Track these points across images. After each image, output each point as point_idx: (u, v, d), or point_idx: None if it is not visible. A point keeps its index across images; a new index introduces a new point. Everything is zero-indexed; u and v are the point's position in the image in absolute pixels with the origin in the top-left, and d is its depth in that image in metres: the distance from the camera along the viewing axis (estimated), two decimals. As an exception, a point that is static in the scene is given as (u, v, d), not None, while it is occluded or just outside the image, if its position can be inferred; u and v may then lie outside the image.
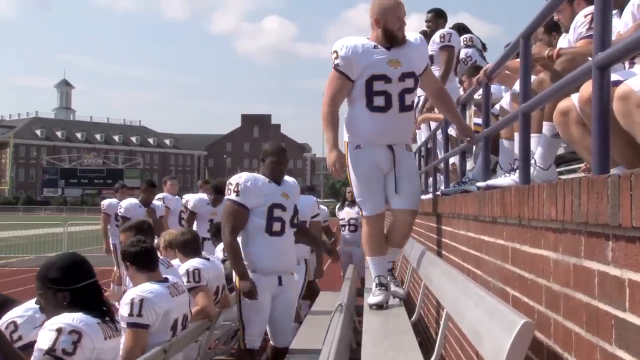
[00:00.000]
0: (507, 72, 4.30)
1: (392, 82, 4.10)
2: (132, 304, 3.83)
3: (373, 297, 4.38)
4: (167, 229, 7.71)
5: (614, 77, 2.20)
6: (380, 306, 4.32)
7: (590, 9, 3.11)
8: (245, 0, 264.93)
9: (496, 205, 2.88)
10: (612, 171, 2.08)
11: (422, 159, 8.50)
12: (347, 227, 10.10)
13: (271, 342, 5.14)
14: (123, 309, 3.82)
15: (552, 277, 2.09)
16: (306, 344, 5.05)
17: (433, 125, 7.08)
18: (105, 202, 10.31)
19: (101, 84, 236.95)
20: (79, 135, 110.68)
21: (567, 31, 3.65)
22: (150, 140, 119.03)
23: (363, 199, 4.34)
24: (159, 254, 5.47)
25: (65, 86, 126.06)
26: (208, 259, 5.46)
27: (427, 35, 6.63)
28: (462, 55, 7.15)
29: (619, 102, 2.21)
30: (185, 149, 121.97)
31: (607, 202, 1.57)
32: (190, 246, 5.45)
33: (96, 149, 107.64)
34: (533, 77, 3.30)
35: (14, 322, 3.25)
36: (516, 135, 3.57)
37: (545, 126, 3.32)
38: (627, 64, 2.76)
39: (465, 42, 7.28)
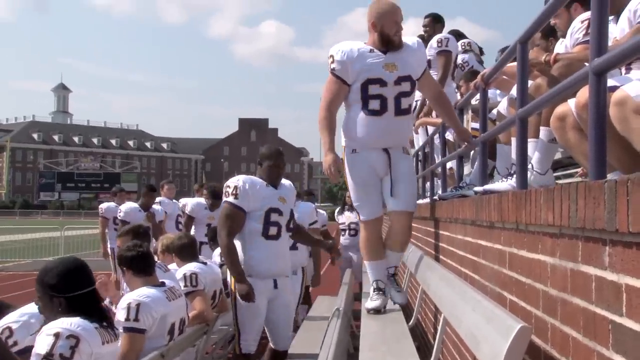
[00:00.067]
0: (504, 77, 4.32)
1: (387, 85, 4.11)
2: (128, 308, 3.82)
3: (371, 301, 4.38)
4: (165, 233, 7.70)
5: (610, 82, 2.21)
6: (377, 311, 4.32)
7: (587, 14, 3.12)
8: (242, 4, 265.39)
9: (493, 210, 2.88)
10: (609, 176, 2.09)
11: (419, 163, 8.50)
12: (347, 231, 10.10)
13: (271, 345, 5.13)
14: (120, 314, 3.82)
15: (549, 282, 2.10)
16: (304, 349, 5.05)
17: (430, 129, 7.09)
18: (103, 206, 10.28)
19: (98, 87, 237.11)
20: (76, 139, 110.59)
21: (563, 36, 3.66)
22: (148, 144, 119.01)
23: (360, 204, 4.36)
24: (156, 258, 5.48)
25: (62, 90, 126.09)
26: (205, 263, 5.46)
27: (424, 40, 6.65)
28: (459, 60, 7.17)
29: (616, 107, 2.22)
30: (183, 153, 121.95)
31: (604, 207, 1.58)
32: (187, 250, 5.44)
33: (93, 152, 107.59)
34: (530, 82, 3.31)
35: (9, 328, 3.25)
36: (513, 140, 3.58)
37: (543, 131, 3.33)
38: (623, 70, 2.77)
39: (463, 47, 7.30)
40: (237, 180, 4.89)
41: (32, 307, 3.36)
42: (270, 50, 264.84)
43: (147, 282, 4.11)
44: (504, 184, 3.56)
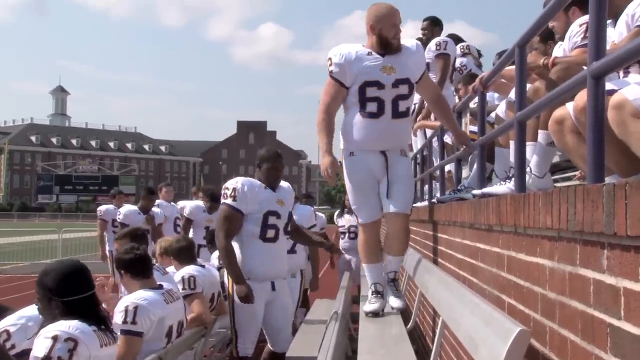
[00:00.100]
0: (502, 80, 4.32)
1: (385, 88, 4.11)
2: (126, 311, 3.82)
3: (369, 304, 4.38)
4: (163, 236, 7.70)
5: (608, 86, 2.21)
6: (376, 314, 4.33)
7: (585, 18, 3.13)
8: (241, 7, 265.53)
9: (492, 213, 2.89)
10: (607, 180, 2.10)
11: (417, 166, 8.51)
12: (347, 234, 10.10)
13: (270, 346, 5.13)
14: (117, 317, 3.82)
15: (547, 285, 2.10)
16: (302, 352, 5.04)
17: (429, 132, 7.10)
18: (102, 208, 10.26)
19: (97, 90, 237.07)
20: (74, 141, 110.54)
21: (561, 39, 3.67)
22: (146, 147, 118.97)
23: (358, 206, 4.36)
24: (154, 261, 5.48)
25: (60, 92, 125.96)
26: (203, 266, 5.46)
27: (423, 43, 6.64)
28: (457, 64, 7.18)
29: (614, 111, 2.23)
30: (181, 156, 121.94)
31: (602, 210, 1.58)
32: (185, 253, 5.45)
33: (91, 155, 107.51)
34: (528, 86, 3.32)
35: (7, 331, 3.24)
36: (512, 143, 3.58)
37: (541, 134, 3.33)
38: (621, 73, 2.78)
39: (462, 50, 7.31)
40: (235, 183, 4.89)
41: (29, 310, 3.35)
42: (269, 53, 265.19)
43: (145, 284, 4.11)
44: (502, 187, 3.56)
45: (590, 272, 1.72)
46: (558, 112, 2.76)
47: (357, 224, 4.53)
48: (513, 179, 3.21)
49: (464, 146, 4.54)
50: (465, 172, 5.41)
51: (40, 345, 2.85)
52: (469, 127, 4.82)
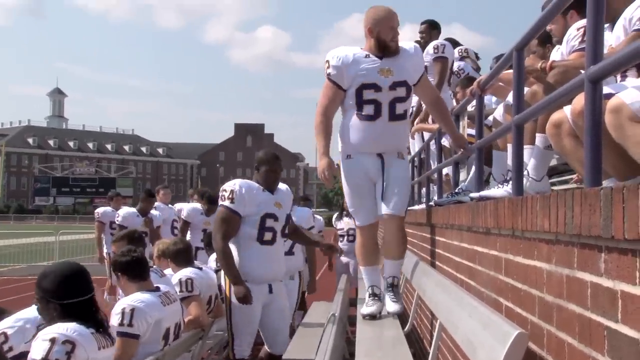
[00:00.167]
0: (500, 83, 4.34)
1: (382, 90, 4.11)
2: (123, 313, 3.82)
3: (366, 307, 4.38)
4: (161, 238, 7.70)
5: (605, 89, 2.22)
6: (373, 316, 4.32)
7: (583, 22, 3.14)
8: (239, 10, 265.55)
9: (490, 216, 2.89)
10: (604, 183, 2.11)
11: (415, 169, 8.52)
12: (345, 237, 10.11)
13: (267, 348, 5.13)
14: (114, 319, 3.82)
15: (545, 288, 2.10)
16: (299, 354, 5.03)
17: (426, 135, 7.11)
18: (99, 210, 10.25)
19: (94, 92, 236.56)
20: (71, 143, 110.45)
21: (559, 42, 3.68)
22: (143, 149, 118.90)
23: (355, 209, 4.37)
24: (152, 264, 5.48)
25: (58, 94, 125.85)
26: (201, 269, 5.46)
27: (420, 46, 6.65)
28: (455, 68, 7.19)
29: (611, 114, 2.23)
30: (178, 158, 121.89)
31: (599, 214, 1.59)
32: (182, 256, 5.44)
33: (88, 157, 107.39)
34: (526, 89, 3.32)
35: (4, 333, 3.24)
36: (509, 147, 3.59)
37: (538, 138, 3.34)
38: (618, 77, 2.79)
39: (460, 54, 7.32)
40: (233, 185, 4.89)
41: (27, 313, 3.35)
42: (267, 56, 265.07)
43: (142, 287, 4.11)
44: (499, 190, 3.57)
45: (587, 275, 1.73)
46: (555, 116, 2.77)
47: (355, 226, 4.53)
48: (510, 182, 3.22)
49: (462, 149, 4.55)
50: (462, 175, 5.42)
51: (38, 347, 2.84)
52: (467, 130, 4.83)
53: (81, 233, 25.29)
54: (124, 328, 3.78)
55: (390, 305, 4.35)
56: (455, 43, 7.40)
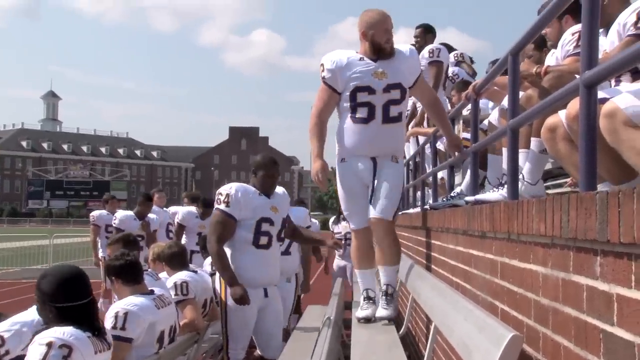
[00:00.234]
0: (495, 87, 4.35)
1: (376, 93, 4.13)
2: (116, 317, 3.83)
3: (361, 310, 4.39)
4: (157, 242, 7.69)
5: (600, 94, 2.23)
6: (368, 320, 4.33)
7: (578, 27, 3.16)
8: (233, 13, 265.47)
9: (485, 219, 2.91)
10: (599, 187, 2.12)
11: (410, 172, 8.55)
12: (343, 241, 10.11)
13: (259, 352, 5.12)
14: (107, 322, 3.82)
15: (541, 292, 2.12)
16: (294, 358, 5.03)
17: (421, 139, 7.13)
18: (95, 214, 10.21)
19: (88, 95, 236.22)
20: (65, 146, 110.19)
21: (553, 46, 3.71)
22: (138, 152, 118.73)
23: (350, 212, 4.38)
24: (147, 267, 5.48)
25: (52, 97, 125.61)
26: (196, 272, 5.45)
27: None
28: (449, 73, 7.21)
29: (606, 119, 2.25)
30: (173, 161, 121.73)
31: (595, 218, 1.60)
32: (177, 259, 5.44)
33: (82, 160, 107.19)
34: (521, 94, 3.34)
35: (1, 337, 3.24)
36: (504, 151, 3.61)
37: (533, 142, 3.36)
38: (613, 82, 2.81)
39: (455, 58, 7.34)
40: (229, 188, 4.88)
41: (24, 316, 3.35)
42: (262, 59, 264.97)
43: (136, 290, 4.10)
44: (495, 194, 3.58)
45: (583, 279, 1.74)
46: (550, 120, 2.79)
47: (350, 230, 4.54)
48: (506, 185, 3.23)
49: (457, 151, 4.56)
50: (458, 179, 5.44)
51: (35, 351, 2.84)
52: (462, 134, 4.85)
53: (75, 236, 25.20)
54: (117, 331, 3.78)
55: (380, 311, 4.33)
56: (450, 48, 7.42)
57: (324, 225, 17.16)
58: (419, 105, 7.16)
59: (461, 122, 4.94)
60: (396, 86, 4.17)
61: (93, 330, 3.05)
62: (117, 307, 3.90)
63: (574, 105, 2.41)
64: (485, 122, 4.57)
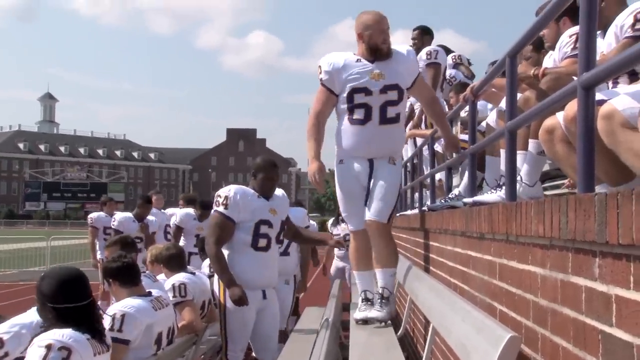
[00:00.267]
0: (493, 89, 4.36)
1: (373, 94, 4.14)
2: (113, 319, 3.83)
3: (359, 312, 4.40)
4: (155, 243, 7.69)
5: (598, 96, 2.24)
6: (366, 321, 4.34)
7: (575, 29, 3.17)
8: (231, 15, 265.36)
9: (484, 221, 2.91)
10: (596, 189, 2.13)
11: (407, 174, 8.56)
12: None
13: (255, 355, 5.13)
14: (104, 324, 3.81)
15: (539, 293, 2.12)
16: (293, 360, 5.04)
17: (419, 141, 7.15)
18: (93, 216, 10.19)
19: (85, 97, 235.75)
20: (62, 148, 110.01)
21: (551, 47, 3.72)
22: (135, 154, 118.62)
23: (348, 214, 4.40)
24: (145, 269, 5.48)
25: (49, 99, 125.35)
26: (194, 274, 5.45)
27: (413, 52, 6.68)
28: (447, 75, 7.23)
29: (603, 121, 2.26)
30: (170, 163, 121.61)
31: (594, 219, 1.61)
32: (175, 261, 5.44)
33: (80, 162, 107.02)
34: (518, 95, 3.35)
35: (0, 339, 3.24)
36: (502, 152, 3.62)
37: (531, 144, 3.37)
38: (610, 84, 2.82)
39: (453, 60, 7.36)
40: (228, 191, 4.88)
41: (23, 318, 3.35)
42: (259, 61, 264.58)
43: (134, 292, 4.11)
44: (493, 195, 3.59)
45: (582, 280, 1.75)
46: (548, 122, 2.80)
47: (349, 231, 4.55)
48: (504, 187, 3.24)
49: (455, 152, 4.56)
50: (455, 181, 5.45)
51: (34, 354, 2.84)
52: (460, 135, 4.86)
53: (72, 238, 25.18)
54: (114, 333, 3.78)
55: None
56: (447, 50, 7.43)
57: (322, 226, 17.15)
58: (417, 107, 7.18)
59: (459, 123, 4.94)
60: (393, 87, 4.18)
61: (92, 332, 3.05)
62: (114, 309, 3.90)
63: (572, 107, 2.42)
64: (483, 123, 4.58)
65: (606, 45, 2.92)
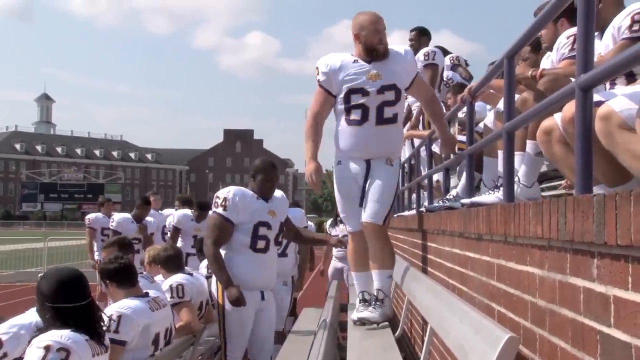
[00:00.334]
0: (491, 90, 4.37)
1: (369, 95, 4.15)
2: (109, 320, 3.83)
3: (357, 312, 4.40)
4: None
5: (595, 97, 2.25)
6: (363, 322, 4.34)
7: (573, 30, 3.18)
8: (228, 16, 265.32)
9: (482, 222, 2.92)
10: (594, 190, 2.14)
11: (405, 175, 8.56)
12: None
13: (250, 357, 5.13)
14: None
15: (537, 293, 2.13)
16: (291, 360, 5.04)
17: (416, 142, 7.15)
18: (91, 217, 10.16)
19: (82, 98, 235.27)
20: (59, 149, 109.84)
21: (548, 48, 3.73)
22: (132, 155, 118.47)
23: (346, 215, 4.40)
24: (143, 270, 5.48)
25: (45, 100, 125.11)
26: (191, 274, 5.46)
27: (410, 54, 6.68)
28: (444, 77, 7.23)
29: (601, 122, 2.26)
30: (167, 164, 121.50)
31: (592, 220, 1.61)
32: (172, 262, 5.44)
33: (77, 163, 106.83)
34: (516, 96, 3.36)
35: None
36: (500, 153, 3.63)
37: (529, 145, 3.38)
38: (607, 85, 2.83)
39: (451, 61, 7.36)
40: (227, 192, 4.89)
41: (22, 319, 3.35)
42: (256, 62, 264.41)
43: (130, 293, 4.11)
44: (490, 196, 3.60)
45: (580, 281, 1.75)
46: (546, 123, 2.80)
47: (347, 232, 4.55)
48: (501, 188, 3.25)
49: (451, 151, 4.57)
50: (453, 181, 5.45)
51: (32, 355, 2.84)
52: (458, 136, 4.86)
53: (70, 239, 25.13)
54: (110, 334, 3.78)
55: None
56: (445, 51, 7.44)
57: (319, 227, 17.15)
58: (414, 108, 7.19)
59: (457, 124, 4.95)
60: (390, 87, 4.18)
61: (91, 333, 3.05)
62: (111, 310, 3.90)
63: (570, 108, 2.43)
64: (481, 124, 4.59)
65: (603, 46, 2.93)
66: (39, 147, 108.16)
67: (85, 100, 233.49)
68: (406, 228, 6.79)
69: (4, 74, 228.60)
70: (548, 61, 3.62)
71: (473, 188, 4.17)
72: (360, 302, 4.44)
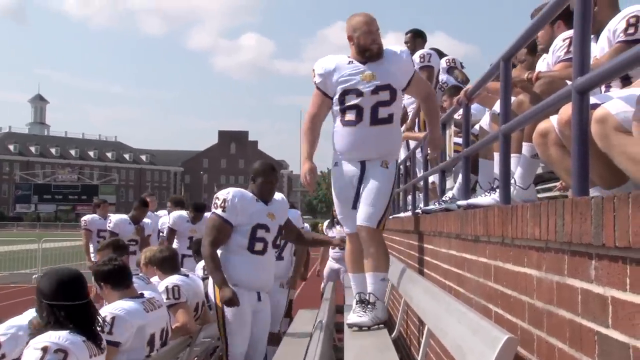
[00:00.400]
0: (487, 93, 4.39)
1: (364, 95, 4.16)
2: (103, 321, 3.83)
3: (353, 313, 4.41)
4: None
5: (591, 100, 2.27)
6: (357, 325, 4.34)
7: (569, 33, 3.20)
8: (222, 17, 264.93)
9: (479, 224, 2.93)
10: (590, 192, 2.15)
11: (400, 177, 8.58)
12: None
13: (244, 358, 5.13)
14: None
15: (535, 295, 2.14)
16: (287, 362, 5.04)
17: (412, 144, 7.17)
18: (87, 218, 10.11)
19: (76, 99, 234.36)
20: (53, 150, 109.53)
21: (544, 50, 3.75)
22: (126, 156, 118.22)
23: (343, 217, 4.42)
24: (139, 271, 5.48)
25: (39, 101, 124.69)
26: (187, 276, 5.46)
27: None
28: (439, 80, 7.24)
29: (597, 125, 2.28)
30: (162, 165, 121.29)
31: (590, 222, 1.63)
32: (168, 263, 5.44)
33: (71, 164, 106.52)
34: (512, 99, 3.38)
35: None
36: (496, 155, 3.64)
37: (525, 147, 3.39)
38: (603, 88, 2.85)
39: (447, 64, 7.38)
40: (226, 193, 4.89)
41: (20, 320, 3.36)
42: (251, 63, 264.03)
43: (125, 294, 4.11)
44: (487, 198, 3.61)
45: (578, 282, 1.77)
46: (542, 125, 2.82)
47: (345, 234, 4.56)
48: (498, 190, 3.26)
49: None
50: (449, 183, 5.47)
51: (30, 356, 2.84)
52: (454, 138, 4.88)
53: (64, 240, 25.05)
54: (104, 336, 3.78)
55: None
56: (440, 53, 7.46)
57: (314, 229, 17.15)
58: (410, 110, 7.21)
59: (452, 127, 4.97)
60: (385, 87, 4.19)
61: (88, 334, 3.06)
62: (105, 312, 3.91)
63: (566, 110, 2.44)
64: (477, 126, 4.61)
65: (599, 49, 2.95)
66: (32, 148, 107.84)
67: (80, 101, 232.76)
68: (402, 230, 6.80)
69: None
70: (544, 64, 3.64)
71: (469, 190, 4.18)
72: (357, 304, 4.44)
